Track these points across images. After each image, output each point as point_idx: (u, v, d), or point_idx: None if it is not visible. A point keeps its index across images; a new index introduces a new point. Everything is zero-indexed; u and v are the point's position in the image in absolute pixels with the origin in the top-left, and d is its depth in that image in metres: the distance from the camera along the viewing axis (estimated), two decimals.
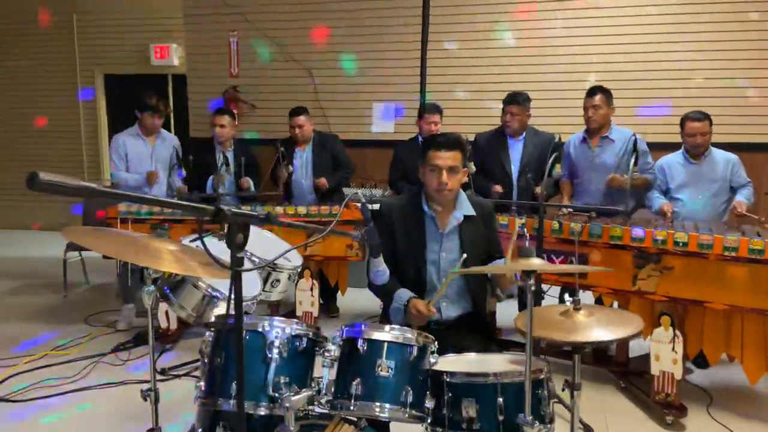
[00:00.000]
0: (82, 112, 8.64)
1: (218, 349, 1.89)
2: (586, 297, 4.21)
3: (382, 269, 2.13)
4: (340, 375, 1.81)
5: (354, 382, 1.74)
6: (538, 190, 4.15)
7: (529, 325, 1.63)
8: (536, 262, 1.65)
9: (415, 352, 1.80)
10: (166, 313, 4.17)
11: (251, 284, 2.52)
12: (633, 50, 5.75)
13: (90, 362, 4.01)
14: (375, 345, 1.78)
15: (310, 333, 1.89)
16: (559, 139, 3.50)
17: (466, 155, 2.51)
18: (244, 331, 1.82)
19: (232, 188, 4.79)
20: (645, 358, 3.74)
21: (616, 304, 3.58)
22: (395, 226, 2.57)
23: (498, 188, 4.27)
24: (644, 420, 3.31)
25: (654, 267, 3.19)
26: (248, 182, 4.71)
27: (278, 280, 2.78)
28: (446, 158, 2.45)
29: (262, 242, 2.91)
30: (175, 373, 3.86)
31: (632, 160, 3.41)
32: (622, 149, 4.05)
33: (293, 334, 1.85)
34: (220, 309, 2.38)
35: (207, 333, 1.98)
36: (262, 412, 1.76)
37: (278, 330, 1.83)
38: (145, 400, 2.22)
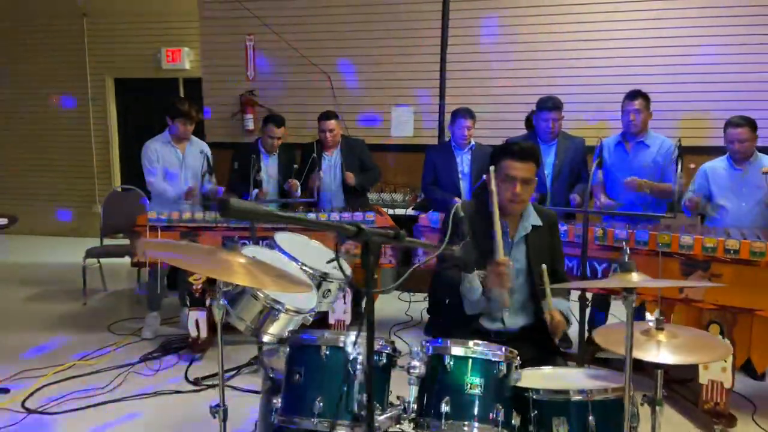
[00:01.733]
0: (92, 116, 8.56)
1: (296, 365, 1.83)
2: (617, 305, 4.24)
3: (475, 286, 2.07)
4: (427, 393, 1.75)
5: (443, 401, 1.69)
6: (576, 200, 4.12)
7: (629, 344, 1.58)
8: (636, 278, 1.60)
9: (503, 368, 1.75)
10: (197, 321, 4.10)
11: (308, 296, 2.46)
12: (659, 53, 5.71)
13: (119, 372, 3.94)
14: (463, 361, 1.73)
15: (389, 348, 1.84)
16: (679, 142, 3.45)
17: (539, 165, 2.47)
18: (324, 347, 1.77)
19: (274, 194, 4.78)
20: (686, 365, 3.71)
21: (656, 312, 3.55)
22: (467, 233, 2.53)
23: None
24: (690, 428, 3.27)
25: (702, 274, 3.14)
26: (297, 184, 4.67)
27: (329, 290, 2.72)
28: (522, 169, 2.39)
29: (309, 251, 2.85)
30: (209, 383, 3.79)
31: (678, 168, 3.36)
32: (659, 154, 4.01)
33: (377, 349, 1.79)
34: (281, 322, 2.32)
35: (279, 348, 1.92)
36: (353, 431, 1.70)
37: (359, 346, 1.78)
38: (214, 417, 2.15)
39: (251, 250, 2.52)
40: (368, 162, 5.00)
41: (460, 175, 4.69)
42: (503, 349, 1.77)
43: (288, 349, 1.88)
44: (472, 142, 4.73)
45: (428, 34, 6.21)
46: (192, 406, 3.53)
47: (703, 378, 3.17)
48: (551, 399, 1.74)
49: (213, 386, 3.76)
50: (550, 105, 4.28)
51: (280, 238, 2.76)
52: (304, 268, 2.63)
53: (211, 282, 4.27)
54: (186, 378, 3.89)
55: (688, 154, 3.90)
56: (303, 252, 2.73)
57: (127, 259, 5.57)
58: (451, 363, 1.73)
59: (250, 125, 6.74)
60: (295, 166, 4.92)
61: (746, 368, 3.75)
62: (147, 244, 2.12)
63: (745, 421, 3.30)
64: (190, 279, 4.12)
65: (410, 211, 5.56)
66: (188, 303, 4.13)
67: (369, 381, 1.38)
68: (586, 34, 5.89)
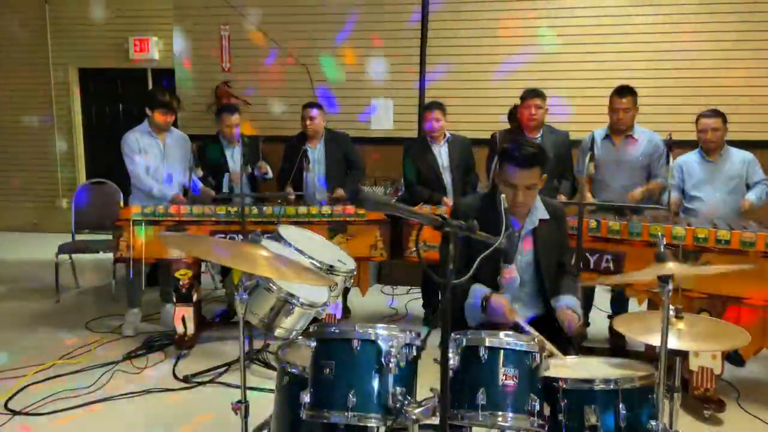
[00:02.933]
0: (55, 107, 8.27)
1: (326, 359, 1.79)
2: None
3: (476, 303, 2.07)
4: (461, 384, 1.74)
5: (478, 392, 1.68)
6: (561, 198, 4.17)
7: (665, 332, 1.61)
8: (673, 266, 1.63)
9: (537, 358, 1.75)
10: (183, 318, 4.01)
11: (320, 290, 2.42)
12: (644, 49, 5.83)
13: (104, 371, 3.83)
14: (498, 353, 1.73)
15: (418, 341, 1.83)
16: (670, 136, 3.51)
17: (546, 167, 2.45)
18: (356, 341, 1.75)
19: (247, 187, 4.68)
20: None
21: (646, 302, 3.63)
22: None
23: None
24: (681, 414, 3.36)
25: (693, 264, 3.22)
26: (266, 167, 4.59)
27: (336, 284, 2.68)
28: (524, 177, 2.38)
29: (313, 244, 2.81)
30: (199, 380, 3.71)
31: (670, 161, 3.44)
32: (647, 148, 4.11)
33: (405, 342, 1.78)
34: (294, 316, 2.28)
35: (304, 341, 1.87)
36: (385, 425, 1.68)
37: (392, 338, 1.76)
38: (236, 413, 2.09)
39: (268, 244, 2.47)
40: (354, 158, 4.92)
41: (441, 169, 4.68)
42: (535, 339, 1.78)
43: (315, 343, 1.85)
44: (447, 134, 4.73)
45: (408, 26, 6.20)
46: (184, 404, 3.45)
47: (694, 365, 3.25)
48: (581, 388, 1.76)
49: (203, 383, 3.68)
50: (532, 93, 4.33)
51: (285, 231, 2.71)
52: (312, 261, 2.58)
53: (197, 277, 4.20)
54: (174, 375, 3.80)
55: (677, 148, 3.98)
56: (308, 245, 2.68)
57: (99, 255, 5.45)
58: (487, 354, 1.72)
59: None
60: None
61: (728, 355, 3.87)
62: (168, 240, 2.04)
63: (731, 406, 3.40)
64: (177, 274, 4.03)
65: None
66: (175, 299, 4.03)
67: (445, 376, 1.36)
68: (569, 24, 5.94)
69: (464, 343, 1.78)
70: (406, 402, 1.69)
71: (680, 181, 4.08)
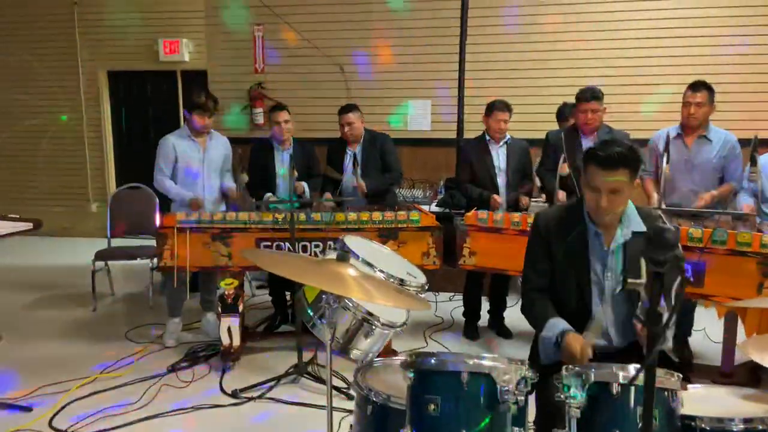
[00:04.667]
0: (84, 110, 8.18)
1: (429, 393, 1.61)
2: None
3: (549, 339, 1.88)
4: (589, 425, 1.54)
5: None
6: None
7: None
8: None
9: (678, 395, 1.55)
10: (229, 329, 3.85)
11: (398, 309, 2.24)
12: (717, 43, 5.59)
13: (149, 385, 3.68)
14: (632, 390, 1.53)
15: (531, 374, 1.63)
16: (756, 138, 3.31)
17: (638, 168, 2.19)
18: (465, 374, 1.56)
19: (286, 193, 4.50)
20: (748, 368, 3.59)
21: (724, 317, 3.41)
22: (552, 241, 2.31)
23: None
24: None
25: None
26: (302, 187, 4.41)
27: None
28: (608, 180, 2.12)
29: (381, 255, 2.64)
30: (249, 395, 3.55)
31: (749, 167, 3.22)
32: (721, 150, 3.87)
33: (521, 375, 1.59)
34: (374, 337, 2.10)
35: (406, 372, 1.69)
36: None
37: (507, 371, 1.57)
38: None
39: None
40: (391, 160, 4.69)
41: (496, 171, 4.50)
42: (675, 375, 1.58)
43: (412, 374, 1.66)
44: (507, 136, 4.54)
45: (447, 24, 6.02)
46: (235, 422, 3.30)
47: None
48: (723, 428, 1.56)
49: (253, 399, 3.52)
50: (588, 96, 4.09)
51: (351, 242, 2.54)
52: (383, 274, 2.40)
53: (242, 287, 4.04)
54: (222, 389, 3.65)
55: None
56: (376, 256, 2.51)
57: (132, 261, 5.33)
58: (620, 391, 1.53)
59: (260, 119, 6.49)
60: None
61: None
62: (250, 254, 1.89)
63: None
64: (222, 284, 3.88)
65: (434, 208, 5.37)
66: (220, 309, 3.87)
67: (648, 414, 1.17)
68: (619, 18, 5.72)
69: (592, 378, 1.58)
70: None
71: (753, 185, 3.83)
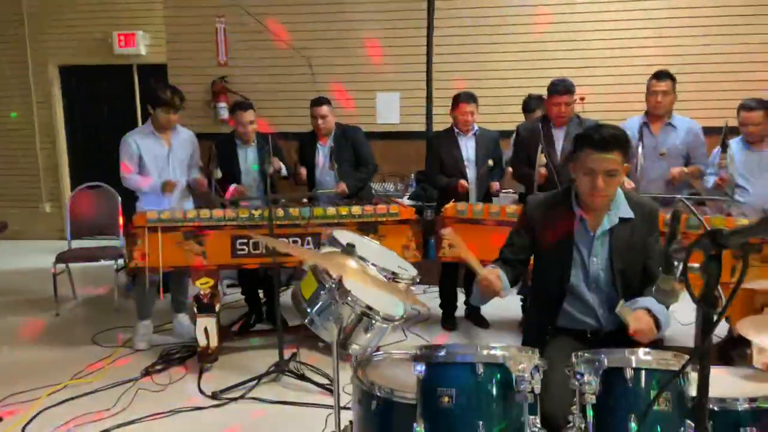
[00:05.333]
0: (35, 107, 7.84)
1: (442, 385, 1.58)
2: None
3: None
4: (605, 411, 1.54)
5: (627, 420, 1.49)
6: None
7: None
8: None
9: (687, 378, 1.57)
10: (206, 329, 3.75)
11: (395, 303, 2.21)
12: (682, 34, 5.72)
13: (124, 389, 3.55)
14: (647, 375, 1.54)
15: (542, 362, 1.63)
16: (726, 126, 3.37)
17: (628, 151, 2.24)
18: (480, 365, 1.54)
19: (255, 190, 4.41)
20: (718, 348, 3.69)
21: None
22: (538, 225, 2.33)
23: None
24: None
25: (755, 257, 3.09)
26: (278, 162, 4.28)
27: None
28: (604, 161, 2.14)
29: (372, 250, 2.60)
30: (230, 396, 3.46)
31: (720, 150, 3.30)
32: (686, 137, 3.98)
33: (534, 363, 1.58)
34: (374, 331, 2.07)
35: (418, 367, 1.65)
36: None
37: (521, 361, 1.56)
38: None
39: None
40: (364, 153, 4.64)
41: (465, 162, 4.50)
42: (684, 357, 1.59)
43: (423, 367, 1.63)
44: (476, 128, 4.54)
45: (414, 16, 5.99)
46: (217, 424, 3.21)
47: (757, 362, 3.12)
48: (734, 409, 1.58)
49: (234, 399, 3.43)
50: (561, 89, 4.11)
51: (341, 236, 2.49)
52: (373, 267, 2.37)
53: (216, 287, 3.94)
54: (201, 391, 3.55)
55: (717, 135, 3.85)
56: (368, 251, 2.47)
57: (92, 264, 5.15)
58: (633, 377, 1.53)
59: (224, 114, 6.34)
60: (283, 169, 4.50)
61: None
62: (271, 240, 1.82)
63: None
64: (198, 284, 3.77)
65: (407, 201, 5.35)
66: (196, 310, 3.76)
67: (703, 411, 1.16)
68: (587, 11, 5.79)
69: (605, 364, 1.58)
70: None
71: (720, 170, 3.94)
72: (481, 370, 1.54)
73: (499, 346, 1.62)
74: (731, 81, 5.54)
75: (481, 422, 1.51)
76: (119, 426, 3.14)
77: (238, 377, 3.63)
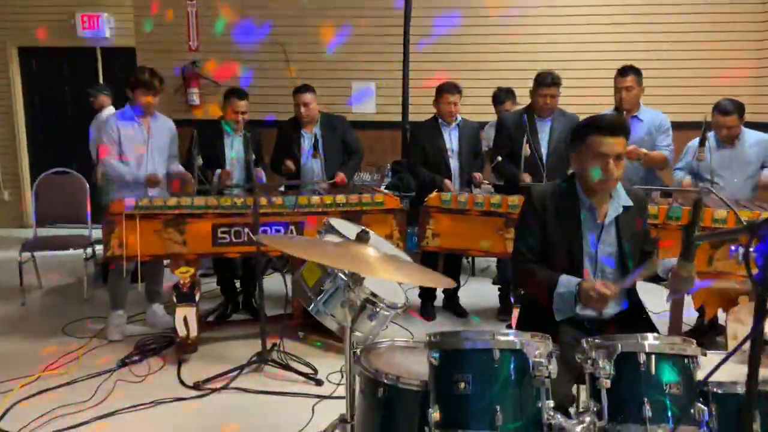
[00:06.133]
0: None
1: (459, 371, 1.58)
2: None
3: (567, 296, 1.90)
4: (619, 396, 1.57)
5: (641, 404, 1.52)
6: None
7: None
8: None
9: (697, 363, 1.60)
10: (185, 319, 3.67)
11: (396, 291, 2.20)
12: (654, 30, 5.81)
13: (101, 380, 3.45)
14: (659, 360, 1.57)
15: (554, 347, 1.64)
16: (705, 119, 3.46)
17: (628, 138, 2.30)
18: (496, 351, 1.54)
19: (241, 179, 4.33)
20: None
21: None
22: (547, 216, 2.34)
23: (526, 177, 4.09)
24: None
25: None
26: (261, 173, 4.23)
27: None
28: (613, 144, 2.20)
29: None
30: (212, 386, 3.40)
31: (699, 141, 3.39)
32: (650, 127, 4.10)
33: (549, 349, 1.59)
34: (378, 319, 2.05)
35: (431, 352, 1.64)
36: None
37: (537, 347, 1.56)
38: None
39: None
40: (352, 141, 4.65)
41: (449, 153, 4.51)
42: (694, 342, 1.63)
43: (438, 354, 1.62)
44: (459, 118, 4.56)
45: (391, 5, 5.96)
46: (202, 415, 3.15)
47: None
48: (731, 391, 1.62)
49: (216, 390, 3.37)
50: (549, 81, 4.16)
51: (337, 224, 2.46)
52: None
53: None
54: (181, 382, 3.47)
55: (687, 129, 3.96)
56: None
57: (61, 253, 5.00)
58: (647, 362, 1.56)
59: (195, 100, 6.20)
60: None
61: None
62: (263, 238, 1.78)
63: None
64: (177, 272, 3.68)
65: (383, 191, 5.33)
66: (175, 299, 3.68)
67: (751, 400, 1.18)
68: (562, 4, 5.85)
69: (620, 349, 1.60)
70: (562, 420, 1.50)
71: (695, 164, 4.04)
72: (497, 355, 1.55)
73: (512, 332, 1.63)
74: (710, 77, 5.68)
75: (498, 407, 1.51)
76: (99, 418, 3.05)
77: (218, 367, 3.56)
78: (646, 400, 1.53)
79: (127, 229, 3.61)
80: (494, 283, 5.24)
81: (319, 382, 3.43)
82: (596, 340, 1.66)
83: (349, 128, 4.66)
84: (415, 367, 1.97)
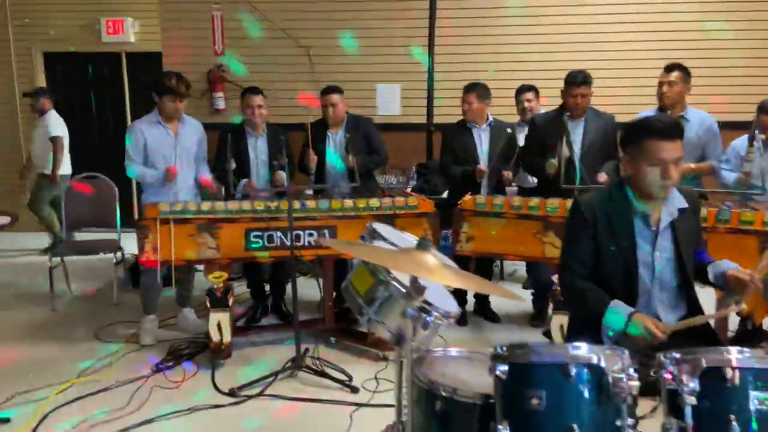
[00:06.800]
0: (18, 95, 7.58)
1: (531, 387, 1.52)
2: None
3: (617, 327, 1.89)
4: (703, 412, 1.51)
5: (728, 421, 1.46)
6: (603, 177, 3.98)
7: None
8: None
9: None
10: (219, 324, 3.64)
11: (448, 299, 2.15)
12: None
13: (136, 387, 3.44)
14: (748, 373, 1.51)
15: (635, 362, 1.58)
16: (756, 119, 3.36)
17: (683, 140, 2.22)
18: (572, 366, 1.49)
19: (265, 182, 4.30)
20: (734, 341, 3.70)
21: None
22: (598, 225, 2.26)
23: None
24: None
25: None
26: (282, 177, 4.17)
27: None
28: (671, 150, 2.11)
29: (407, 243, 2.53)
30: (247, 393, 3.37)
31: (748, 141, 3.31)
32: (699, 130, 3.98)
33: (629, 365, 1.52)
34: (432, 328, 2.00)
35: (498, 366, 1.59)
36: None
37: (617, 361, 1.50)
38: None
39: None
40: (376, 146, 4.59)
41: (479, 154, 4.46)
42: None
43: (507, 368, 1.57)
44: (490, 119, 4.51)
45: (416, 6, 5.91)
46: (239, 422, 3.12)
47: None
48: None
49: (252, 396, 3.34)
50: (579, 80, 4.09)
51: (380, 228, 2.42)
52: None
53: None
54: (216, 388, 3.45)
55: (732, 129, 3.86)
56: (405, 243, 2.40)
57: (89, 257, 5.00)
58: (736, 376, 1.51)
59: (221, 104, 6.20)
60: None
61: None
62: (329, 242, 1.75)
63: None
64: (211, 278, 3.66)
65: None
66: (209, 304, 3.66)
67: None
68: (595, 3, 5.76)
69: (705, 363, 1.54)
70: None
71: (736, 167, 3.95)
72: (574, 371, 1.49)
73: (594, 347, 1.57)
74: (759, 75, 5.56)
75: (575, 425, 1.46)
76: (138, 425, 3.03)
77: (252, 373, 3.55)
78: (732, 417, 1.47)
79: (161, 234, 3.59)
80: (524, 287, 5.17)
81: (354, 390, 3.39)
82: (675, 355, 1.59)
83: (376, 130, 4.61)
84: (470, 379, 1.92)
